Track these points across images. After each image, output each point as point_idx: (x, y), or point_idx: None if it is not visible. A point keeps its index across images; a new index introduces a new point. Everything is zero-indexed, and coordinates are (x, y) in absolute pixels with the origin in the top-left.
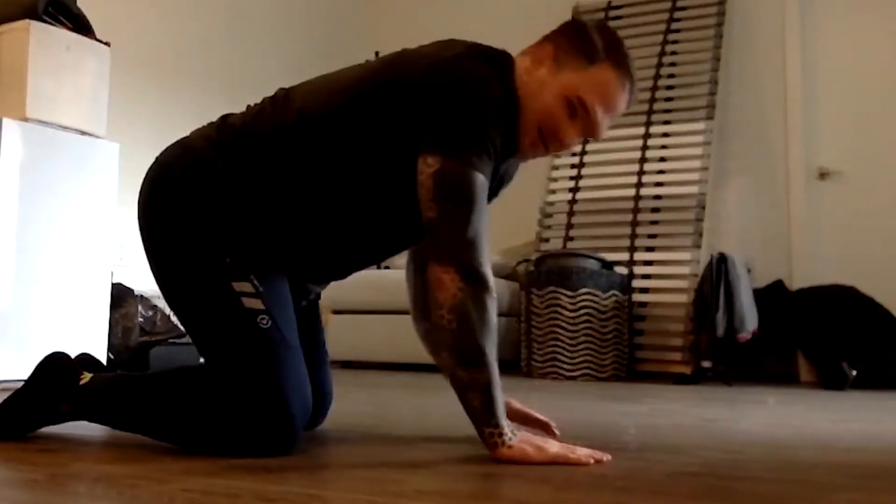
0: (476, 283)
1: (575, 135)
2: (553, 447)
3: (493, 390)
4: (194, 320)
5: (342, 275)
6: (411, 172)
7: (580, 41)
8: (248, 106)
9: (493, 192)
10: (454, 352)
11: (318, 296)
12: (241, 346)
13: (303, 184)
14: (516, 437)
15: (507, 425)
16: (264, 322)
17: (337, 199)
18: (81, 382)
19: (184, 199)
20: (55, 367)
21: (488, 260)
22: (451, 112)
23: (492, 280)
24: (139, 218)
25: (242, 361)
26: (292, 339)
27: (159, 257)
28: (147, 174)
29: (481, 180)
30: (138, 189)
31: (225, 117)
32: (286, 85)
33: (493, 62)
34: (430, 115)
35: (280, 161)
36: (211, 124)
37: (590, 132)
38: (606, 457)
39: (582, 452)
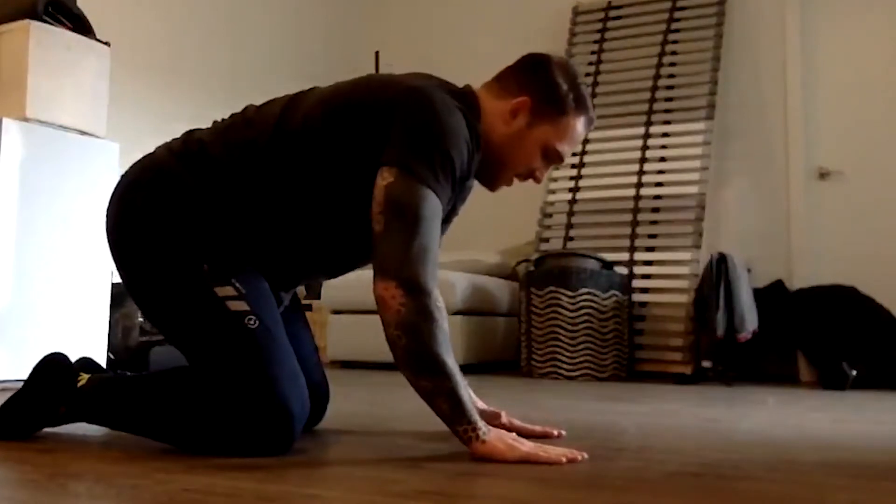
0: (417, 294)
1: (546, 171)
2: (525, 446)
3: (459, 392)
4: (180, 330)
5: (314, 278)
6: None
7: (550, 92)
8: (215, 122)
9: (445, 220)
10: (412, 365)
11: (296, 295)
12: (232, 348)
13: (271, 194)
14: (490, 434)
15: (479, 421)
16: (252, 322)
17: (304, 208)
18: (79, 384)
19: (153, 211)
20: (53, 369)
21: (434, 276)
22: (417, 132)
23: (435, 290)
24: (109, 235)
25: (235, 363)
26: (280, 336)
27: (135, 273)
28: (114, 192)
29: (434, 199)
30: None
31: (191, 132)
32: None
33: (463, 100)
34: (394, 133)
35: (251, 172)
36: (176, 139)
37: (556, 164)
38: (583, 455)
39: (555, 452)
